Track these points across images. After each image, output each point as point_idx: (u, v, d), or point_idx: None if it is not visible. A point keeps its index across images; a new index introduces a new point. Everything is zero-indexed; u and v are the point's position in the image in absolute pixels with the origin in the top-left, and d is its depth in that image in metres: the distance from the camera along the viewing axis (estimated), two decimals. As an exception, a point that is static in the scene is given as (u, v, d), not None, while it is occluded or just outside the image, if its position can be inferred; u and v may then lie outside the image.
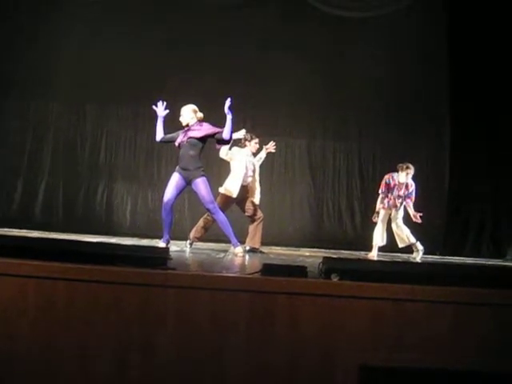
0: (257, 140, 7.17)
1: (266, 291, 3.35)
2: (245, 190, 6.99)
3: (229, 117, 6.04)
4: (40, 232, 7.69)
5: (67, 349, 3.24)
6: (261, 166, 7.35)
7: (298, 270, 3.56)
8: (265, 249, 7.20)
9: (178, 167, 6.27)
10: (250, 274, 3.57)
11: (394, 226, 7.84)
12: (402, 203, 7.72)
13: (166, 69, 9.18)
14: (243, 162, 6.94)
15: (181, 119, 6.31)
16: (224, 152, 6.91)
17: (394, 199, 7.68)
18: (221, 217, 6.28)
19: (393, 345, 3.31)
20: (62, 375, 3.24)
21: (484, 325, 3.36)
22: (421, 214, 7.61)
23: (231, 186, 6.86)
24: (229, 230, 6.25)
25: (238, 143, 7.06)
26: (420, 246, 7.80)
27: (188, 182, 6.21)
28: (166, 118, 6.37)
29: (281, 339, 3.30)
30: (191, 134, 6.18)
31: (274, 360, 3.28)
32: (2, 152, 9.30)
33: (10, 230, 7.52)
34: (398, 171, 7.67)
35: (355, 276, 3.45)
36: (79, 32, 9.11)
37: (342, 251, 8.14)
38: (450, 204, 9.14)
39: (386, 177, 7.74)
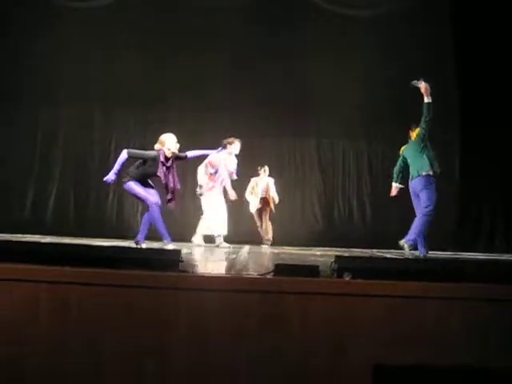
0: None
1: (278, 291, 3.34)
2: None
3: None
4: (52, 237, 7.73)
5: (80, 353, 3.25)
6: (271, 165, 7.42)
7: (310, 270, 3.55)
8: (276, 248, 7.21)
9: (135, 178, 6.46)
10: (261, 275, 3.56)
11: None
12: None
13: (172, 75, 9.27)
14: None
15: (163, 147, 6.52)
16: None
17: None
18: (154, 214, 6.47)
19: (406, 343, 3.29)
20: (75, 381, 3.25)
21: (500, 321, 3.33)
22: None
23: None
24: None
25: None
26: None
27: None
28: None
29: (293, 339, 3.29)
30: (169, 178, 6.50)
31: (286, 360, 3.27)
32: (13, 158, 9.38)
33: (23, 235, 7.56)
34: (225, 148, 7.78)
35: (368, 274, 3.43)
36: (87, 41, 9.23)
37: (354, 249, 8.12)
38: (462, 199, 9.11)
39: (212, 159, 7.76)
